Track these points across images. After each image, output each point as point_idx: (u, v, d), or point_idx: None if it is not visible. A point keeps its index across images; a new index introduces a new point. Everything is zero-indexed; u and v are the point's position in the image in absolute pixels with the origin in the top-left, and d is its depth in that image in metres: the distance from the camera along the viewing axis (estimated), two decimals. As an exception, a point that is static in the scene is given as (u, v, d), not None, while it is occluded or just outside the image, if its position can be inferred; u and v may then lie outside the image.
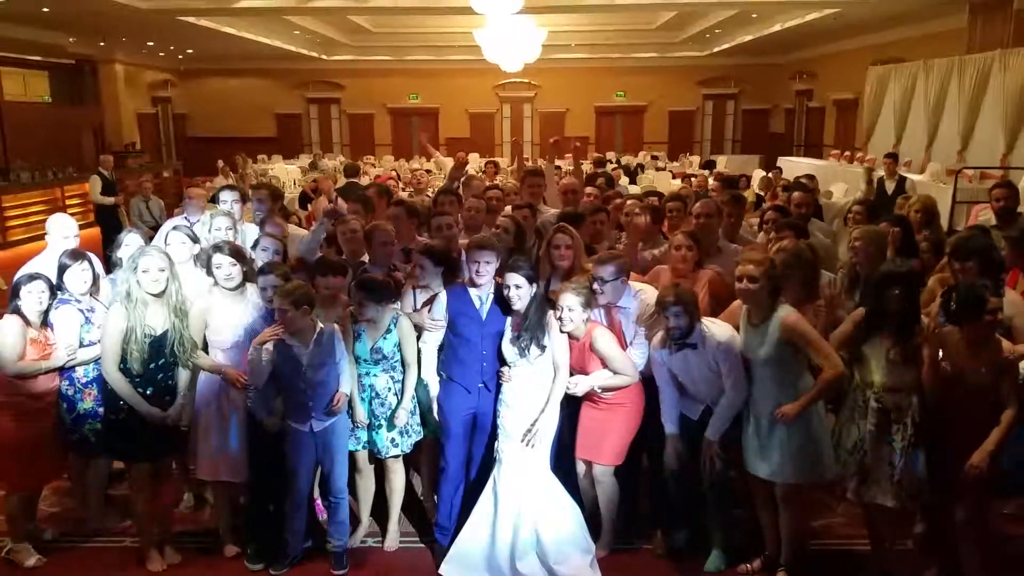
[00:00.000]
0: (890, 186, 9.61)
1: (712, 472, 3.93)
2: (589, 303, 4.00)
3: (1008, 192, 5.51)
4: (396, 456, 4.24)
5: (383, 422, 4.15)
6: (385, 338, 4.12)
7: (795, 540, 3.96)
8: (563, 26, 19.32)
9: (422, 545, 4.36)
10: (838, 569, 4.16)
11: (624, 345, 4.09)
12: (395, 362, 4.18)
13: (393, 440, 4.17)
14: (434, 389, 4.21)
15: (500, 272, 4.10)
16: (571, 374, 4.07)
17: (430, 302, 4.22)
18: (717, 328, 3.87)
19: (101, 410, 4.13)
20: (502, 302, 4.05)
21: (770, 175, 11.95)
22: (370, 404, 4.15)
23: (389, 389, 4.17)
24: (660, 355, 3.95)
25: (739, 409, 3.88)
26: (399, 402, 4.16)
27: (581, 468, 4.24)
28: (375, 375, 4.15)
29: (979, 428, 3.62)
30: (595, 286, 4.01)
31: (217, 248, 4.21)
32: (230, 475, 4.17)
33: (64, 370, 4.15)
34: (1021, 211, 5.71)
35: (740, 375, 3.84)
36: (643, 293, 4.16)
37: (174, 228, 4.80)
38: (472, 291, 4.11)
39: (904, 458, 3.65)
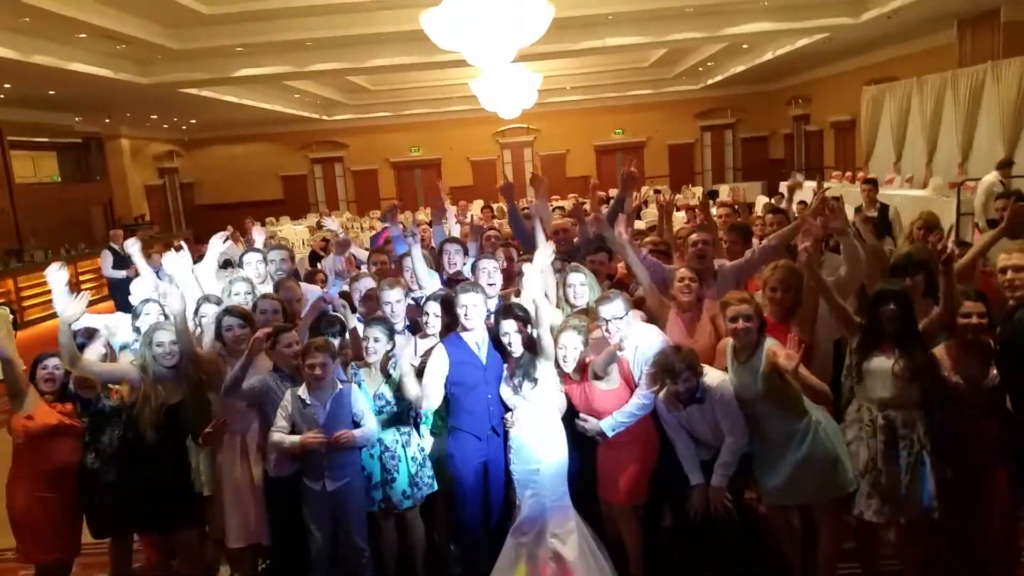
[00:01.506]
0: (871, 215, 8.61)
1: (726, 515, 3.90)
2: (587, 340, 4.03)
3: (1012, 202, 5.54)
4: (411, 507, 4.22)
5: (395, 476, 4.13)
6: (386, 383, 4.15)
7: (830, 564, 3.92)
8: (558, 70, 19.60)
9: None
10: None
11: (631, 382, 4.05)
12: (397, 412, 4.19)
13: (405, 492, 4.15)
14: (427, 443, 4.28)
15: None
16: (576, 415, 4.08)
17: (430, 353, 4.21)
18: (710, 377, 3.86)
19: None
20: (498, 345, 4.07)
21: (772, 200, 11.99)
22: (380, 459, 4.14)
23: (397, 442, 4.16)
24: (671, 416, 3.94)
25: (741, 451, 3.87)
26: (405, 455, 4.16)
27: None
28: (383, 428, 4.14)
29: (989, 437, 3.66)
30: (609, 327, 3.99)
31: (227, 311, 4.31)
32: (259, 538, 4.16)
33: (89, 442, 4.19)
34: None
35: (737, 419, 3.84)
36: (644, 335, 4.12)
37: (243, 279, 5.11)
38: (468, 337, 4.12)
39: (910, 474, 3.64)
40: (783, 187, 12.65)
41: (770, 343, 3.77)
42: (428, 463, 4.26)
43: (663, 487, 4.22)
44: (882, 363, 3.67)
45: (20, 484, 4.09)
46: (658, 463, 4.11)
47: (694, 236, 4.91)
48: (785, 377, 3.65)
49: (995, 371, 3.67)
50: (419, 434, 4.31)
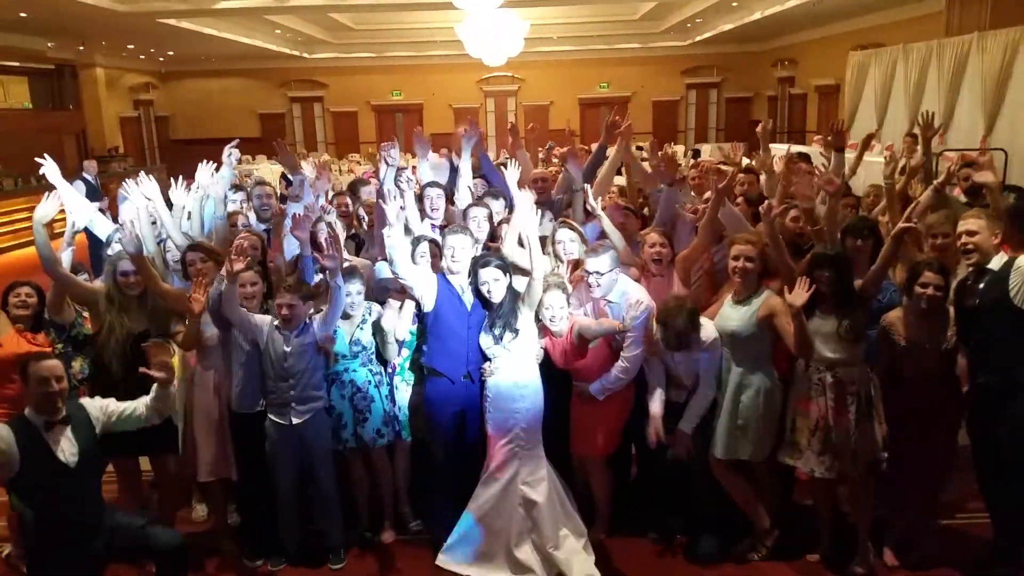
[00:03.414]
0: None
1: (689, 460, 4.05)
2: (570, 298, 4.08)
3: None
4: (383, 446, 4.29)
5: (367, 415, 4.19)
6: (361, 328, 4.19)
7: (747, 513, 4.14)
8: (546, 19, 19.33)
9: (419, 537, 4.42)
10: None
11: (610, 339, 4.07)
12: (372, 354, 4.26)
13: (380, 431, 4.22)
14: (401, 395, 4.34)
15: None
16: (557, 372, 4.14)
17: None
18: (706, 330, 3.95)
19: None
20: (478, 293, 4.11)
21: (753, 162, 11.98)
22: (351, 400, 4.18)
23: (369, 382, 4.22)
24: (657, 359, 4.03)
25: (710, 402, 4.02)
26: (379, 395, 4.22)
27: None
28: (354, 369, 4.20)
29: (933, 400, 3.81)
30: (590, 279, 4.04)
31: (189, 247, 4.34)
32: (229, 472, 4.22)
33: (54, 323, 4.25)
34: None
35: (716, 372, 3.98)
36: (630, 295, 4.13)
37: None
38: (454, 280, 4.15)
39: (859, 428, 3.79)
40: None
41: (771, 294, 3.88)
42: (402, 406, 4.33)
43: (633, 436, 4.33)
44: (824, 325, 3.79)
45: None
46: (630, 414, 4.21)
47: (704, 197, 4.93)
48: (775, 322, 3.79)
49: (950, 336, 3.78)
50: (395, 380, 4.36)
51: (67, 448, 3.28)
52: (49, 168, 4.71)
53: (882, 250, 3.88)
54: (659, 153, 5.48)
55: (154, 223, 4.81)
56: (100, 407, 3.46)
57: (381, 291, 4.37)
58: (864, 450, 3.80)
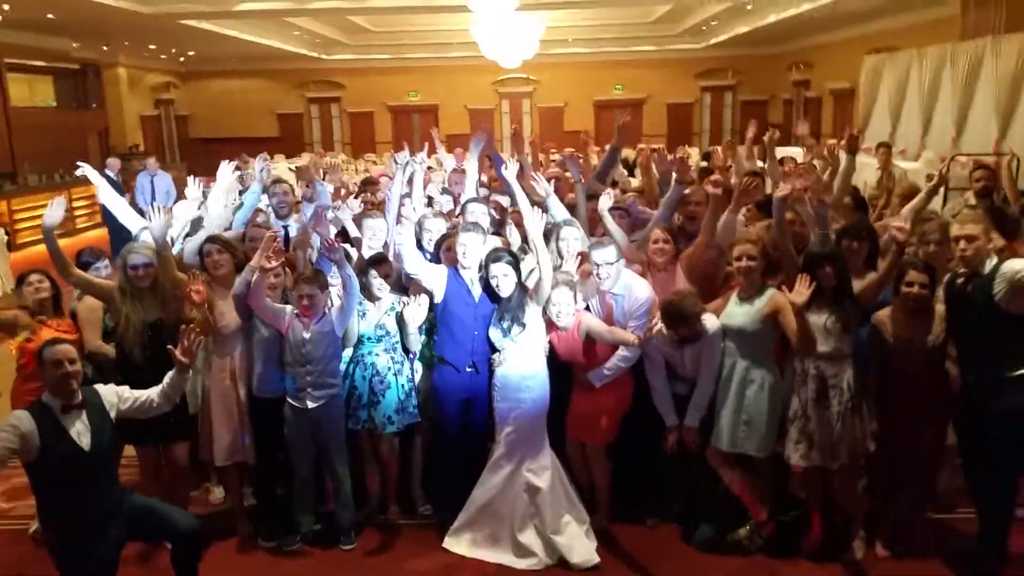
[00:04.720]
0: None
1: (694, 453, 4.15)
2: (577, 296, 4.17)
3: (987, 173, 5.84)
4: (393, 433, 4.42)
5: (381, 399, 4.33)
6: (388, 314, 4.36)
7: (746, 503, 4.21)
8: (561, 21, 19.43)
9: (427, 521, 4.54)
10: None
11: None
12: (395, 342, 4.40)
13: (390, 418, 4.34)
14: (417, 376, 4.48)
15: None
16: (557, 363, 4.23)
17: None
18: (708, 321, 4.03)
19: None
20: (488, 287, 4.24)
21: (766, 165, 12.00)
22: (369, 382, 4.33)
23: (388, 368, 4.36)
24: (657, 355, 4.12)
25: (711, 396, 4.10)
26: (396, 382, 4.35)
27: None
28: (377, 354, 4.36)
29: (922, 396, 3.88)
30: (596, 272, 4.15)
31: (207, 239, 4.46)
32: (244, 456, 4.34)
33: (88, 355, 4.32)
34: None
35: (715, 365, 4.06)
36: (634, 288, 4.23)
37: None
38: (464, 274, 4.30)
39: (841, 421, 3.85)
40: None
41: (775, 291, 3.97)
42: (415, 394, 4.45)
43: (634, 426, 4.38)
44: (815, 319, 3.85)
45: (22, 398, 4.17)
46: (635, 405, 4.29)
47: (688, 193, 4.90)
48: (779, 319, 3.88)
49: (936, 334, 3.85)
50: (411, 367, 4.50)
51: (83, 432, 3.34)
52: (93, 176, 5.11)
53: (886, 262, 3.97)
54: (671, 156, 5.55)
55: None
56: (115, 392, 3.54)
57: (408, 280, 4.51)
58: (847, 442, 3.87)
